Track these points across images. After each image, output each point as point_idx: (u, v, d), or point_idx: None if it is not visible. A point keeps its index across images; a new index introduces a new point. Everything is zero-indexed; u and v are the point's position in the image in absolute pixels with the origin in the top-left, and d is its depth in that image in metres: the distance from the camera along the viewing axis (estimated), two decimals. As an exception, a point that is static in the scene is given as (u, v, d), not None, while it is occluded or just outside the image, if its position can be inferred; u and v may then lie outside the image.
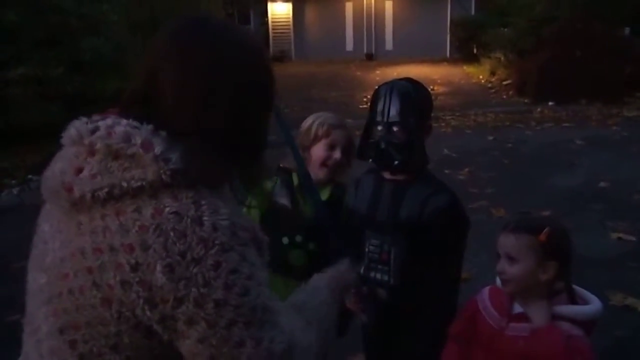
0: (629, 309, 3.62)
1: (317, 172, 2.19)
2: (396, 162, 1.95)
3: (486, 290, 1.86)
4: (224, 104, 1.10)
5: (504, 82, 13.08)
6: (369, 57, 20.09)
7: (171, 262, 0.98)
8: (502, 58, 13.91)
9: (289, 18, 21.38)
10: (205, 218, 1.01)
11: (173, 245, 0.99)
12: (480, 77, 14.69)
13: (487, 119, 9.84)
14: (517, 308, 1.74)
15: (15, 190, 6.73)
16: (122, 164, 1.03)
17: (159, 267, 0.98)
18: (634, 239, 4.67)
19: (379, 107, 1.96)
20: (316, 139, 2.21)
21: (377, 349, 2.17)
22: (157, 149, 1.03)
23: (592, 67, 10.58)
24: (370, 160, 2.01)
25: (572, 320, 1.66)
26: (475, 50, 16.66)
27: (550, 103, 10.74)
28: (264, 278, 1.09)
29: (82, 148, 1.05)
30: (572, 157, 7.20)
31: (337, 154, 2.18)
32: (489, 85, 13.55)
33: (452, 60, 17.96)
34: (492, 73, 14.35)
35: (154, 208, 1.01)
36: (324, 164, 2.20)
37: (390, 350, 2.11)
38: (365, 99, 11.08)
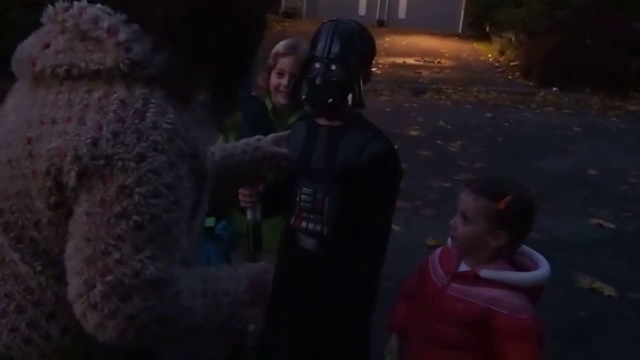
0: (595, 292, 3.64)
1: (276, 99, 2.37)
2: (330, 100, 1.87)
3: (439, 250, 1.84)
4: (195, 3, 1.07)
5: (512, 63, 12.91)
6: (380, 23, 19.76)
7: (99, 137, 0.98)
8: (513, 39, 13.71)
9: (304, -25, 21.00)
10: (148, 114, 1.01)
11: (108, 124, 0.98)
12: (489, 55, 14.51)
13: (489, 96, 9.73)
14: (463, 267, 1.71)
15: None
16: (86, 46, 1.04)
17: (87, 140, 0.97)
18: (613, 226, 4.67)
19: (320, 44, 1.88)
20: (270, 67, 2.37)
21: (299, 303, 2.03)
22: (122, 36, 1.02)
23: (600, 57, 10.42)
24: (303, 97, 1.95)
25: (514, 287, 1.63)
26: (487, 29, 16.43)
27: (554, 88, 10.62)
28: (185, 203, 1.04)
29: (54, 25, 1.07)
30: (566, 143, 7.15)
31: (284, 81, 2.31)
32: (497, 64, 13.39)
33: (464, 36, 17.70)
34: (502, 53, 14.16)
35: (103, 92, 1.02)
36: (276, 90, 2.35)
37: (313, 305, 1.99)
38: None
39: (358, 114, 1.99)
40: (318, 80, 1.87)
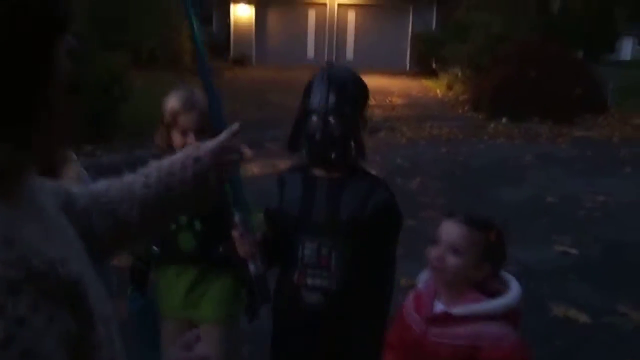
0: (570, 321, 3.65)
1: None
2: (333, 156, 1.81)
3: (411, 295, 1.80)
4: None
5: (460, 97, 13.28)
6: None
7: None
8: (460, 74, 14.12)
9: (251, 22, 21.28)
10: None
11: None
12: (438, 91, 14.89)
13: (442, 131, 9.93)
14: (438, 306, 1.68)
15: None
16: None
17: None
18: (576, 252, 4.74)
19: (315, 96, 1.82)
20: (170, 126, 2.14)
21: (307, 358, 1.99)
22: None
23: (545, 87, 10.85)
24: (304, 153, 1.87)
25: (490, 316, 1.60)
26: (434, 65, 16.88)
27: (503, 119, 10.94)
28: (38, 345, 0.69)
29: None
30: (521, 172, 7.32)
31: (190, 140, 2.08)
32: (446, 99, 13.74)
33: (412, 74, 18.15)
34: (450, 88, 14.57)
35: None
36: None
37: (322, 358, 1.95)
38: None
39: (357, 163, 1.94)
40: (318, 136, 1.81)
